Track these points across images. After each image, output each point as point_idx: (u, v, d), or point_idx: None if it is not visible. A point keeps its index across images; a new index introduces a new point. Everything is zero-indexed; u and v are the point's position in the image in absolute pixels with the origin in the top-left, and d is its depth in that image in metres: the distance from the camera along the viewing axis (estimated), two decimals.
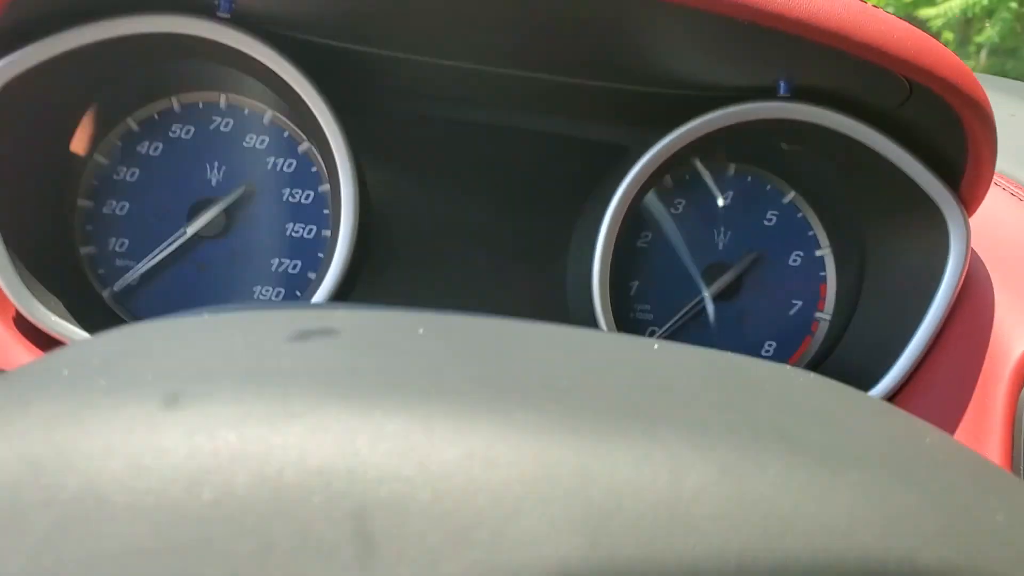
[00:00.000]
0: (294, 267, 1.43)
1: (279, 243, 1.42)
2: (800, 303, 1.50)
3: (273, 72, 1.22)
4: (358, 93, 1.44)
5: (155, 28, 1.18)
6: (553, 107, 1.45)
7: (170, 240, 1.38)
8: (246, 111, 1.41)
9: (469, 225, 1.46)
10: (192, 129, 1.40)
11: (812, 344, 1.50)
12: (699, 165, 1.49)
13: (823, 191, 1.47)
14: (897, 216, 1.36)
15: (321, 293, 1.28)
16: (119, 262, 1.40)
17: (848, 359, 1.43)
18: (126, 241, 1.40)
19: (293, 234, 1.42)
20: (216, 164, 1.40)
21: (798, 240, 1.50)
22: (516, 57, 1.28)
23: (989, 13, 12.19)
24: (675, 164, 1.34)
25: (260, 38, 1.19)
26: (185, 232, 1.37)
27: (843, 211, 1.46)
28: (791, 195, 1.49)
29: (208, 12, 1.17)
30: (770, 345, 1.51)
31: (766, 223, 1.49)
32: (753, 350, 1.50)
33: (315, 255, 1.43)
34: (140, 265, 1.38)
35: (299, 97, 1.23)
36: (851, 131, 1.25)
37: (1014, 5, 11.97)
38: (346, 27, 1.25)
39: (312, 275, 1.42)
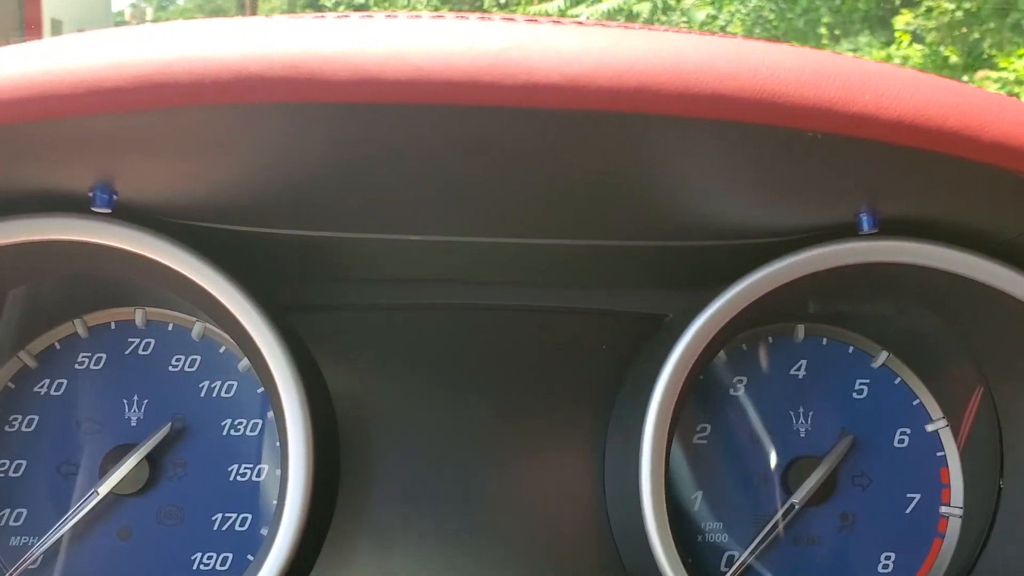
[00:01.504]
0: (242, 522, 1.13)
1: (221, 493, 1.14)
2: (918, 496, 1.20)
3: (178, 274, 0.93)
4: (312, 285, 1.18)
5: (17, 236, 0.91)
6: (567, 278, 1.20)
7: (79, 504, 1.10)
8: (170, 327, 1.16)
9: (467, 432, 1.19)
10: (103, 357, 1.16)
11: (944, 549, 1.19)
12: (760, 332, 1.20)
13: (924, 347, 1.19)
14: None
15: (275, 556, 0.99)
16: (15, 539, 1.12)
17: (1007, 567, 1.09)
18: (23, 511, 1.13)
19: (239, 478, 1.15)
20: (135, 398, 1.15)
21: (901, 414, 1.21)
22: (522, 225, 1.01)
23: None
24: (733, 334, 1.06)
25: (151, 231, 0.92)
26: (97, 492, 1.10)
27: (955, 370, 1.18)
28: (882, 357, 1.21)
29: (80, 208, 0.89)
30: (888, 558, 1.18)
31: (856, 397, 1.21)
32: (868, 568, 1.17)
33: (268, 503, 1.14)
34: (41, 541, 1.10)
35: (216, 301, 0.94)
36: (968, 269, 0.97)
37: None
38: (290, 212, 1.00)
39: (265, 531, 1.11)
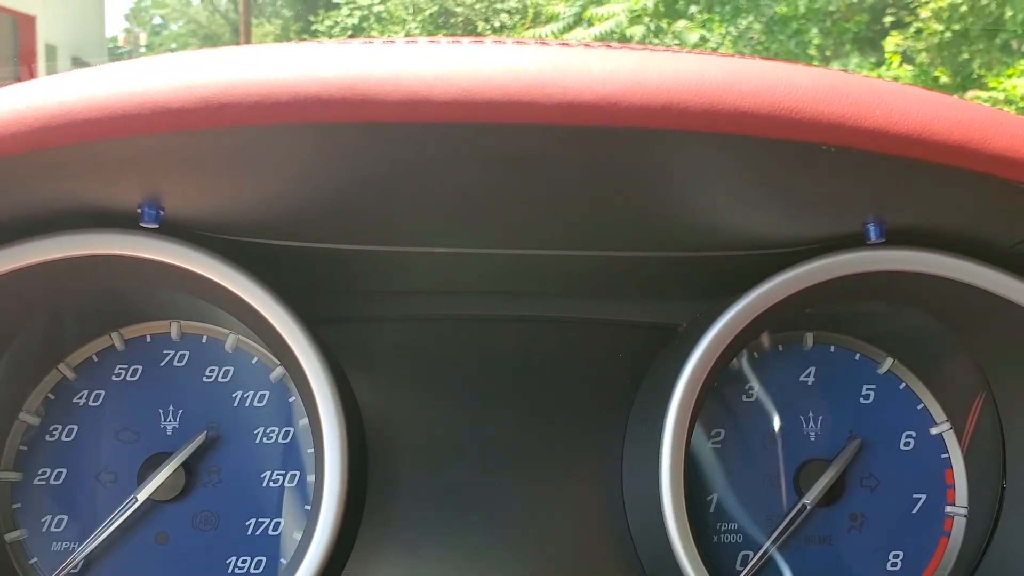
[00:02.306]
0: (275, 527, 1.15)
1: (254, 498, 1.17)
2: (924, 497, 1.22)
3: (222, 288, 0.96)
4: (341, 297, 1.21)
5: (67, 251, 0.95)
6: (584, 289, 1.24)
7: (118, 511, 1.13)
8: (204, 339, 1.18)
9: (491, 441, 1.22)
10: (139, 369, 1.18)
11: (950, 548, 1.21)
12: (770, 339, 1.22)
13: (929, 354, 1.22)
14: None
15: (310, 560, 1.00)
16: (56, 545, 1.15)
17: (1011, 564, 1.11)
18: (64, 518, 1.15)
19: (271, 484, 1.16)
20: (171, 408, 1.17)
21: (906, 418, 1.23)
22: (545, 237, 1.04)
23: None
24: (747, 341, 1.08)
25: (198, 247, 0.96)
26: (136, 499, 1.12)
27: (959, 375, 1.21)
28: (888, 363, 1.23)
29: (130, 224, 0.93)
30: (896, 556, 1.20)
31: (863, 401, 1.23)
32: (876, 566, 1.18)
33: (300, 508, 1.16)
34: (83, 547, 1.12)
35: (258, 314, 0.97)
36: (972, 277, 1.00)
37: None
38: (326, 226, 1.03)
39: (298, 535, 1.13)
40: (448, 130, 0.75)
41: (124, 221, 0.96)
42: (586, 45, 0.78)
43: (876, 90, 0.76)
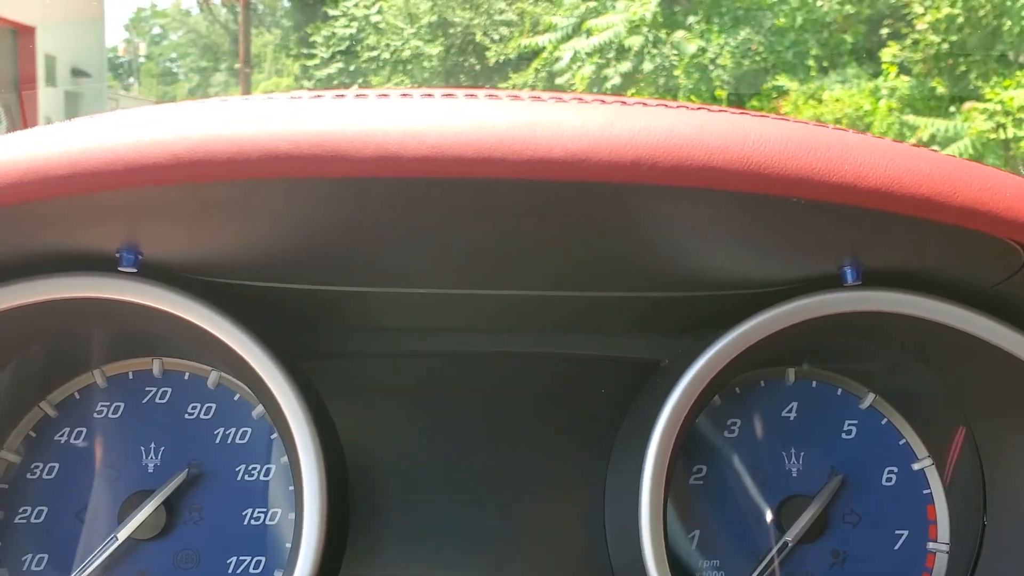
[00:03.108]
0: (256, 565, 1.15)
1: (236, 536, 1.17)
2: (906, 533, 1.22)
3: (199, 328, 0.97)
4: (323, 334, 1.21)
5: (47, 294, 0.95)
6: (565, 325, 1.24)
7: (99, 549, 1.12)
8: (186, 376, 1.19)
9: (474, 477, 1.22)
10: (121, 406, 1.19)
11: None
12: (752, 376, 1.22)
13: (909, 390, 1.23)
14: (1012, 409, 1.11)
15: None
16: None
17: None
18: (44, 556, 1.15)
19: (252, 522, 1.16)
20: (152, 446, 1.17)
21: (888, 453, 1.24)
22: (524, 279, 1.05)
23: (977, 161, 12.31)
24: (728, 378, 1.08)
25: (176, 288, 0.96)
26: (116, 537, 1.12)
27: (939, 411, 1.21)
28: (869, 399, 1.24)
29: (108, 267, 0.93)
30: None
31: (845, 437, 1.24)
32: None
33: (282, 546, 1.15)
34: None
35: (236, 354, 0.98)
36: (947, 317, 1.00)
37: (999, 151, 12.14)
38: (305, 269, 1.03)
39: (280, 573, 1.13)
40: (421, 183, 0.76)
41: (103, 264, 0.96)
42: (557, 99, 0.79)
43: (844, 144, 0.77)
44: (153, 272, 0.98)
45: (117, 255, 0.94)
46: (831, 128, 0.82)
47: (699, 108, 0.81)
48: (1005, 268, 0.92)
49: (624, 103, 0.78)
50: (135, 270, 0.95)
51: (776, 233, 0.91)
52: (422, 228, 0.89)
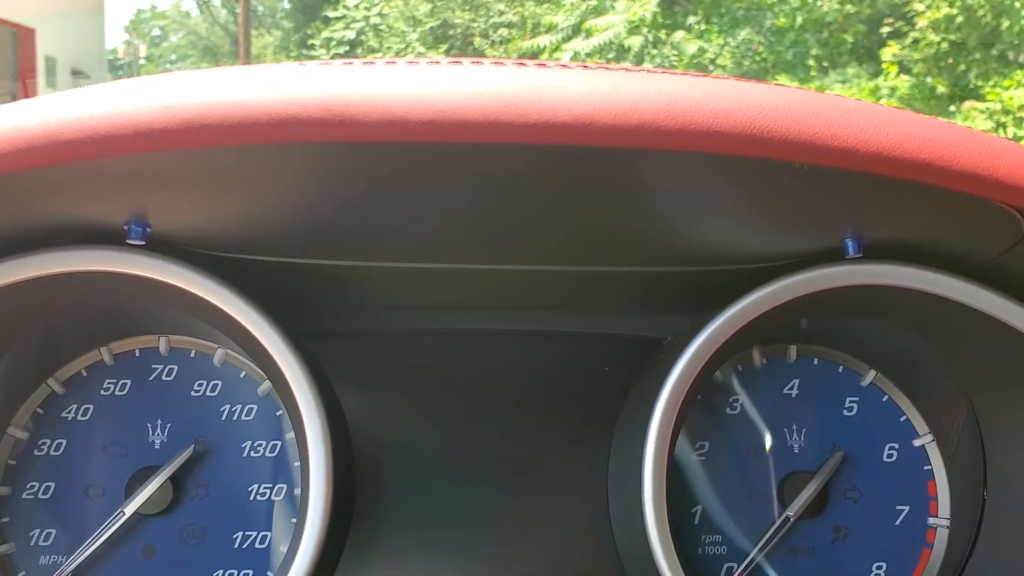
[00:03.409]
0: (262, 540, 1.16)
1: (241, 512, 1.17)
2: (907, 508, 1.23)
3: (208, 303, 0.97)
4: (329, 312, 1.22)
5: (55, 267, 0.96)
6: (570, 303, 1.24)
7: (105, 524, 1.13)
8: (192, 353, 1.19)
9: (478, 455, 1.22)
10: (128, 383, 1.19)
11: (933, 559, 1.22)
12: (754, 352, 1.23)
13: (910, 366, 1.23)
14: (1014, 383, 1.11)
15: (296, 573, 1.01)
16: (44, 559, 1.15)
17: (992, 575, 1.10)
18: (52, 531, 1.16)
19: (258, 497, 1.17)
20: (159, 422, 1.18)
21: (889, 430, 1.24)
22: (529, 253, 1.05)
23: None
24: (728, 355, 1.08)
25: (184, 262, 0.96)
26: (123, 512, 1.12)
27: (940, 387, 1.22)
28: (870, 376, 1.24)
29: (116, 240, 0.94)
30: (880, 567, 1.20)
31: (846, 414, 1.24)
32: None
33: (287, 521, 1.16)
34: (71, 560, 1.13)
35: (244, 329, 0.98)
36: (948, 290, 1.00)
37: None
38: (312, 243, 1.04)
39: (284, 548, 1.14)
40: (427, 149, 0.76)
41: (111, 238, 0.97)
42: (563, 66, 0.80)
43: (847, 109, 0.77)
44: (161, 246, 0.99)
45: (125, 228, 0.95)
46: (832, 95, 0.83)
47: (703, 76, 0.82)
48: (1006, 239, 0.93)
49: (628, 70, 0.79)
50: (143, 243, 0.96)
51: (778, 203, 0.91)
52: (428, 198, 0.89)
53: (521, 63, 0.81)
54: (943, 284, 1.02)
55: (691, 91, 0.75)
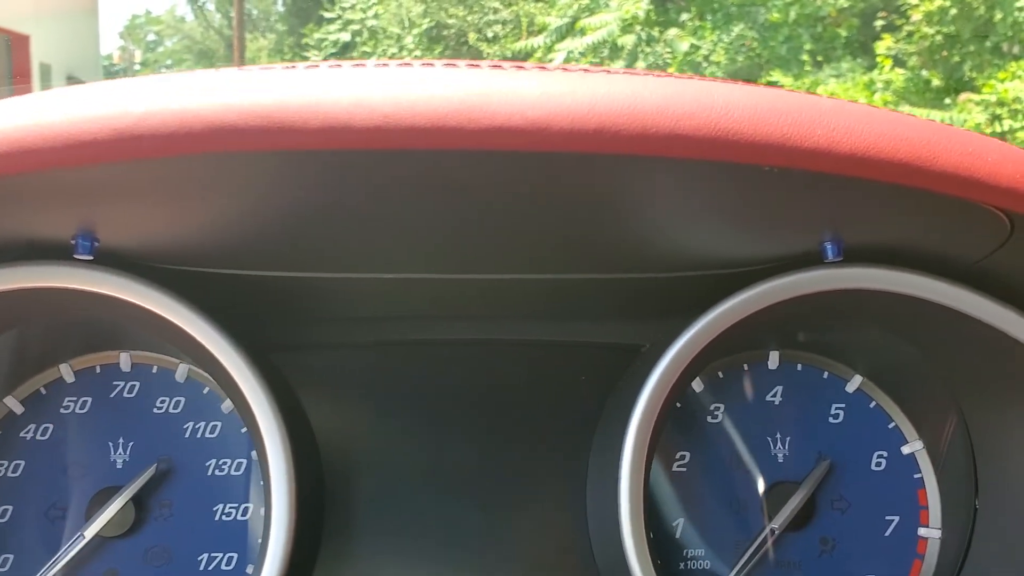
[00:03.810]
0: (228, 561, 1.12)
1: (207, 532, 1.14)
2: (897, 518, 1.19)
3: (160, 318, 0.94)
4: (294, 324, 1.17)
5: (1, 284, 0.92)
6: (543, 311, 1.20)
7: (65, 548, 1.09)
8: (154, 369, 1.16)
9: (451, 467, 1.19)
10: (88, 401, 1.15)
11: (924, 571, 1.19)
12: (735, 359, 1.19)
13: (897, 371, 1.19)
14: (1003, 387, 1.07)
15: None
16: None
17: None
18: (9, 557, 1.12)
19: (224, 517, 1.13)
20: (120, 441, 1.15)
21: (877, 437, 1.20)
22: (494, 260, 1.02)
23: None
24: (707, 362, 1.04)
25: (134, 276, 0.93)
26: (83, 536, 1.09)
27: (928, 392, 1.18)
28: (857, 381, 1.20)
29: (63, 255, 0.90)
30: None
31: (832, 421, 1.20)
32: None
33: (254, 541, 1.13)
34: None
35: (198, 343, 0.95)
36: (933, 294, 0.97)
37: None
38: (267, 254, 1.00)
39: (251, 569, 1.10)
40: (376, 157, 0.73)
41: (58, 252, 0.93)
42: (519, 67, 0.76)
43: (818, 108, 0.74)
44: (111, 260, 0.95)
45: (72, 243, 0.91)
46: (803, 93, 0.79)
47: (666, 76, 0.78)
48: (990, 240, 0.89)
49: (587, 71, 0.75)
50: (91, 257, 0.92)
51: (753, 207, 0.88)
52: (386, 206, 0.86)
53: (474, 64, 0.77)
54: (927, 287, 0.98)
55: (652, 93, 0.71)
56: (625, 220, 0.92)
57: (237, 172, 0.78)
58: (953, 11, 11.92)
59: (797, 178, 0.77)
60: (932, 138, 0.75)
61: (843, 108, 0.75)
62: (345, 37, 20.38)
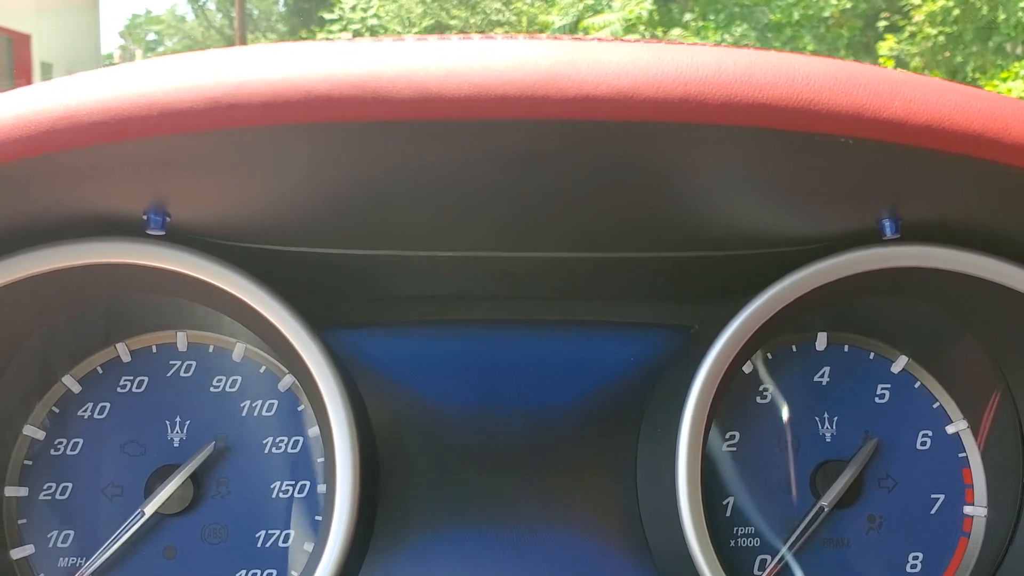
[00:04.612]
0: (285, 539, 1.13)
1: (264, 510, 1.14)
2: (942, 497, 1.20)
3: (230, 295, 0.95)
4: (348, 303, 1.19)
5: (73, 259, 0.93)
6: (596, 292, 1.21)
7: (125, 525, 1.10)
8: (211, 348, 1.17)
9: (503, 448, 1.19)
10: (145, 380, 1.16)
11: (971, 548, 1.19)
12: (784, 340, 1.20)
13: (942, 352, 1.20)
14: None
15: (323, 571, 0.99)
16: (63, 561, 1.13)
17: None
18: (70, 533, 1.13)
19: (281, 495, 1.14)
20: (178, 420, 1.15)
21: (922, 417, 1.21)
22: (554, 238, 1.03)
23: None
24: (760, 343, 1.06)
25: (205, 253, 0.94)
26: (143, 512, 1.10)
27: (974, 372, 1.19)
28: (902, 362, 1.21)
29: (135, 231, 0.91)
30: (916, 558, 1.17)
31: (878, 401, 1.21)
32: (896, 568, 1.16)
33: (311, 519, 1.13)
34: (90, 562, 1.10)
35: (267, 321, 0.96)
36: (988, 272, 0.98)
37: None
38: (333, 231, 1.02)
39: (309, 546, 1.11)
40: (459, 127, 0.74)
41: (129, 228, 0.94)
42: (600, 39, 0.77)
43: (894, 80, 0.75)
44: (181, 237, 0.96)
45: (144, 218, 0.92)
46: (876, 66, 0.80)
47: (744, 48, 0.79)
48: None
49: (669, 43, 0.77)
50: (163, 233, 0.93)
51: (815, 180, 0.89)
52: (457, 180, 0.87)
53: (557, 37, 0.78)
54: (984, 266, 0.99)
55: (735, 63, 0.72)
56: (687, 194, 0.93)
57: (314, 144, 0.79)
58: (956, 12, 11.95)
59: (868, 149, 0.78)
60: (1004, 110, 0.76)
61: (918, 80, 0.76)
62: (346, 37, 20.43)
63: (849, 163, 0.83)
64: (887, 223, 0.98)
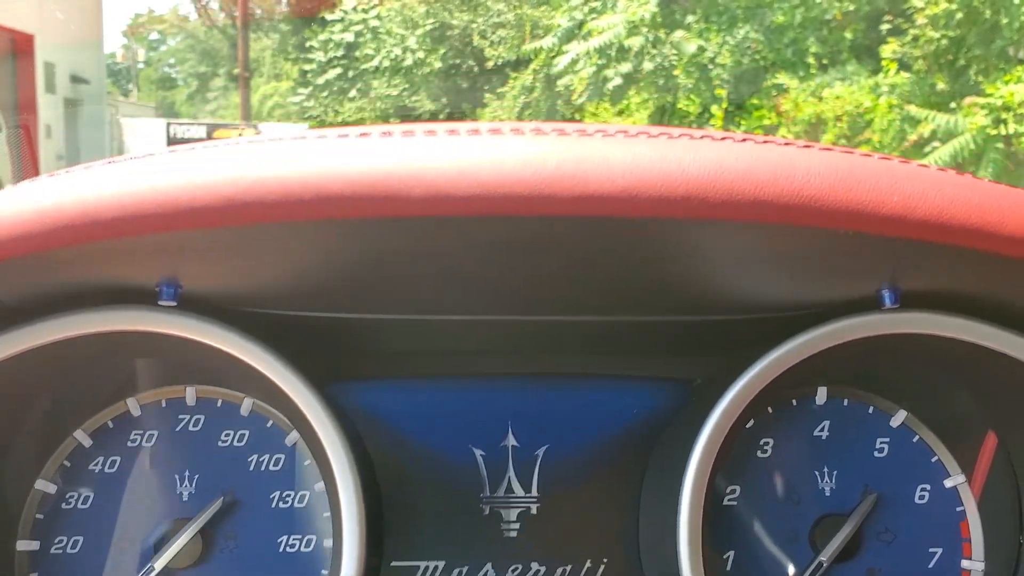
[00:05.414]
0: None
1: (272, 564, 1.16)
2: (940, 550, 1.21)
3: (236, 359, 0.97)
4: (356, 357, 1.20)
5: (89, 328, 0.95)
6: (598, 348, 1.22)
7: None
8: (219, 403, 1.18)
9: (508, 500, 1.21)
10: (155, 434, 1.18)
11: None
12: (784, 395, 1.21)
13: (940, 407, 1.22)
14: None
15: None
16: None
17: None
18: None
19: (288, 549, 1.15)
20: (187, 474, 1.17)
21: (920, 471, 1.22)
22: (558, 305, 1.04)
23: (978, 157, 12.35)
24: (765, 401, 1.08)
25: (215, 321, 0.96)
26: (153, 567, 1.11)
27: (971, 428, 1.20)
28: (901, 416, 1.22)
29: (148, 300, 0.93)
30: None
31: (877, 455, 1.22)
32: None
33: (316, 572, 1.15)
34: None
35: (272, 383, 0.98)
36: (988, 339, 0.99)
37: (1000, 146, 12.12)
38: (341, 299, 1.03)
39: None
40: (468, 220, 0.75)
41: (142, 298, 0.96)
42: (604, 133, 0.79)
43: (893, 175, 0.77)
44: (192, 304, 0.98)
45: (157, 289, 0.94)
46: (877, 157, 0.82)
47: (744, 139, 0.81)
48: None
49: (669, 136, 0.78)
50: (175, 303, 0.95)
51: (818, 261, 0.90)
52: (460, 260, 0.89)
53: (562, 131, 0.80)
54: (983, 333, 1.01)
55: (737, 160, 0.74)
56: (689, 271, 0.95)
57: (325, 234, 0.81)
58: (959, 15, 11.93)
59: (867, 238, 0.79)
60: (1001, 203, 0.78)
61: (917, 174, 0.78)
62: (348, 37, 20.42)
63: (849, 248, 0.84)
64: (887, 293, 0.99)
